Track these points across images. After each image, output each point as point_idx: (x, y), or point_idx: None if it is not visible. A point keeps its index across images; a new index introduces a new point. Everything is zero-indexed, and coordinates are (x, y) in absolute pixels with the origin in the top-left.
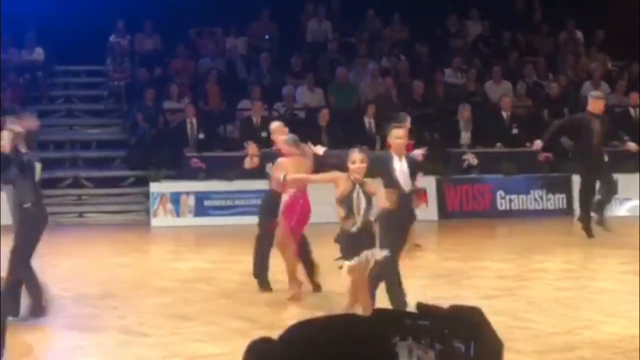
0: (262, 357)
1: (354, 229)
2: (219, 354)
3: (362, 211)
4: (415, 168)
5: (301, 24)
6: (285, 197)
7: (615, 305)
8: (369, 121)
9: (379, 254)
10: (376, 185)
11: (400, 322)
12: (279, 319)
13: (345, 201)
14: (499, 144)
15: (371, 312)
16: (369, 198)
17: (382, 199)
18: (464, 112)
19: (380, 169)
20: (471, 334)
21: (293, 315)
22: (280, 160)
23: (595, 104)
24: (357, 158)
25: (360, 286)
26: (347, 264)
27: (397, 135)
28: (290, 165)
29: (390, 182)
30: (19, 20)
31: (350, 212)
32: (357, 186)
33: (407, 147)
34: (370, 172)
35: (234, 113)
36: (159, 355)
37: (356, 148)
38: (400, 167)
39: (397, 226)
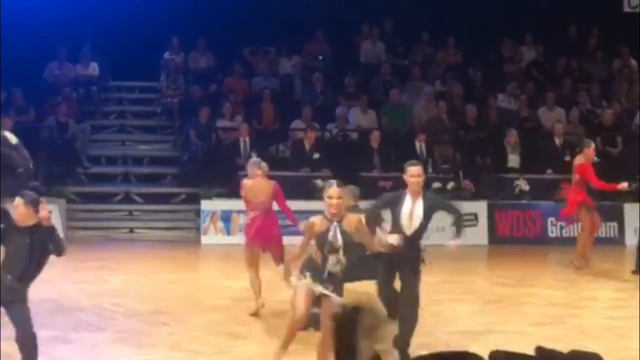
0: None
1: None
2: None
3: (338, 252)
4: (434, 209)
5: (355, 45)
6: (245, 219)
7: None
8: (419, 145)
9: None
10: (361, 224)
11: None
12: None
13: (320, 241)
14: (549, 171)
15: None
16: (347, 236)
17: (374, 243)
18: (511, 138)
19: (389, 210)
20: None
21: None
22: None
23: None
24: (333, 193)
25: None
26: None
27: (411, 173)
28: (251, 187)
29: (395, 224)
30: (75, 35)
31: (324, 254)
32: (335, 223)
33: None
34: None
35: (287, 133)
36: None
37: (334, 181)
38: (410, 208)
39: (387, 268)
